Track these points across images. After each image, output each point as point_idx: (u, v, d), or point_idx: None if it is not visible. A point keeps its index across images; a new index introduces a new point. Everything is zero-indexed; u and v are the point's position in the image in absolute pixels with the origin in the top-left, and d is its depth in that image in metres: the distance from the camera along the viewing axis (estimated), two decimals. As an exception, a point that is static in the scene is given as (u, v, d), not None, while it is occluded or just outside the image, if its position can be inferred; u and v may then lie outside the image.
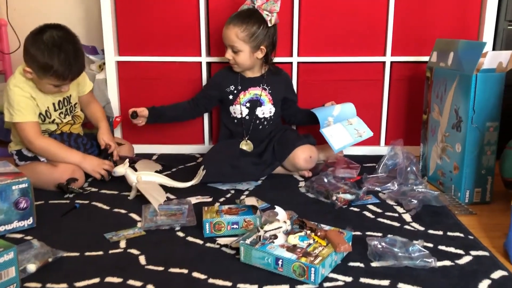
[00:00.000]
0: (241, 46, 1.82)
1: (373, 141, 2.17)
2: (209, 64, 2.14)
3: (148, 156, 2.10)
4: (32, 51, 1.61)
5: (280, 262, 1.14)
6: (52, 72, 1.61)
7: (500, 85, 1.53)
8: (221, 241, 1.31)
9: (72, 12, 2.40)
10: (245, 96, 1.93)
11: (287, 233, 1.23)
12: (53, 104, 1.75)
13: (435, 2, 2.02)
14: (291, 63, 2.09)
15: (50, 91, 1.70)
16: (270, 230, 1.21)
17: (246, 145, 1.92)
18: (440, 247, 1.29)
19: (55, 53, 1.59)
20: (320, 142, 2.00)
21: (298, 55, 2.08)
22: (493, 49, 2.02)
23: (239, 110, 1.93)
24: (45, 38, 1.60)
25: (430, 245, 1.29)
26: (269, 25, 1.83)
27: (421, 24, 2.04)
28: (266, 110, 1.93)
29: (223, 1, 2.05)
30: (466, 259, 1.23)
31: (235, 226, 1.35)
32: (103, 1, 2.05)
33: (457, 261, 1.21)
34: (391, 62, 2.07)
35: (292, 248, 1.17)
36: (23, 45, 1.65)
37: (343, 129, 1.88)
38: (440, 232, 1.38)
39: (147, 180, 1.64)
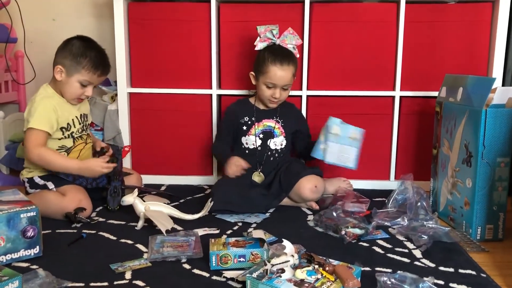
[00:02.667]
0: (291, 82, 1.89)
1: (383, 175, 2.16)
2: (219, 96, 2.16)
3: (156, 187, 2.10)
4: (65, 47, 1.75)
5: (287, 297, 1.11)
6: (87, 61, 1.73)
7: (510, 120, 1.53)
8: (228, 274, 1.29)
9: (87, 45, 2.46)
10: (258, 127, 1.94)
11: (295, 267, 1.21)
12: (77, 117, 1.82)
13: (444, 38, 2.04)
14: (301, 96, 2.10)
15: (76, 93, 1.77)
16: (277, 264, 1.19)
17: (258, 177, 1.92)
18: (452, 285, 1.25)
19: (88, 48, 1.76)
20: (328, 175, 1.99)
21: (308, 88, 2.10)
22: (503, 85, 2.03)
23: (252, 140, 1.94)
24: (78, 40, 1.77)
25: (441, 282, 1.26)
26: (297, 56, 1.91)
27: (430, 59, 2.06)
28: (278, 142, 1.94)
29: (234, 34, 2.09)
30: (478, 297, 1.20)
31: (242, 259, 1.33)
32: (117, 35, 2.10)
33: (469, 300, 1.18)
34: (400, 97, 2.08)
35: (299, 283, 1.14)
36: (54, 57, 1.78)
37: (339, 146, 1.85)
38: (451, 269, 1.35)
39: (155, 209, 1.64)
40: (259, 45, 1.90)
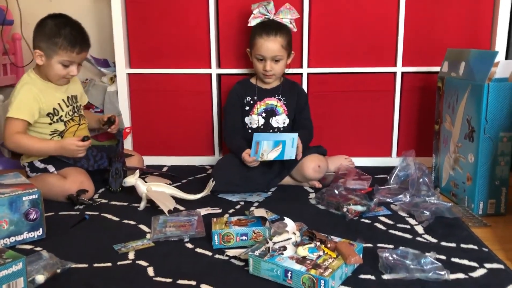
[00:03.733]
0: (283, 55, 1.86)
1: (385, 152, 2.15)
2: (219, 76, 2.14)
3: (158, 168, 2.10)
4: (39, 30, 1.71)
5: (289, 274, 1.12)
6: (61, 42, 1.68)
7: (513, 94, 1.51)
8: (230, 252, 1.30)
9: (84, 26, 2.42)
10: (261, 106, 1.93)
11: (297, 245, 1.21)
12: (63, 100, 1.80)
13: (445, 12, 2.01)
14: (301, 74, 2.08)
15: (59, 74, 1.73)
16: (279, 242, 1.20)
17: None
18: (453, 260, 1.26)
19: (62, 25, 1.70)
20: (330, 153, 1.99)
21: (308, 66, 2.08)
22: (506, 59, 2.00)
23: (255, 120, 1.93)
24: (50, 20, 1.72)
25: (443, 257, 1.27)
26: (294, 30, 1.90)
27: (432, 34, 2.03)
28: (281, 120, 1.93)
29: (233, 13, 2.06)
30: (480, 272, 1.20)
31: (244, 237, 1.34)
32: (114, 15, 2.08)
33: (470, 274, 1.18)
34: (402, 73, 2.06)
35: (301, 260, 1.15)
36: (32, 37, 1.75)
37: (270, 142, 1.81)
38: (453, 244, 1.35)
39: (157, 190, 1.64)
40: (252, 21, 1.89)
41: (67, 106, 1.81)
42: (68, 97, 1.82)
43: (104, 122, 1.88)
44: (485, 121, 1.52)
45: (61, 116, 1.78)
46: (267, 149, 1.78)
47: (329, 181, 1.87)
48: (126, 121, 2.17)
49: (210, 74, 2.12)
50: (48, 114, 1.75)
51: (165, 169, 2.12)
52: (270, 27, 1.84)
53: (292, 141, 1.78)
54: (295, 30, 1.91)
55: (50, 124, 1.76)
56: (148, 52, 2.13)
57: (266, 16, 1.88)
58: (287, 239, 1.20)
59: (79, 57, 1.74)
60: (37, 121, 1.74)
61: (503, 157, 1.55)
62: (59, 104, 1.78)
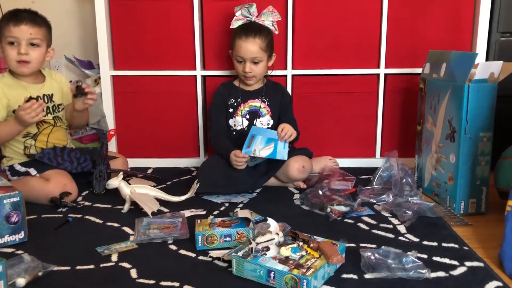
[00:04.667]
0: (262, 56, 1.86)
1: (369, 153, 2.17)
2: (204, 77, 2.15)
3: (143, 170, 2.10)
4: None
5: (272, 275, 1.12)
6: (7, 17, 1.68)
7: (492, 95, 1.54)
8: (214, 253, 1.30)
9: (68, 27, 2.42)
10: (244, 108, 1.94)
11: (280, 245, 1.22)
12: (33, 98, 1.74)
13: (427, 15, 2.04)
14: (286, 75, 2.09)
15: (11, 57, 1.70)
16: (262, 242, 1.20)
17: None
18: (435, 258, 1.27)
19: (8, 12, 1.72)
20: (314, 154, 2.00)
21: (293, 68, 2.09)
22: (487, 60, 2.03)
23: (239, 122, 1.93)
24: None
25: (425, 256, 1.28)
26: (275, 33, 1.90)
27: (414, 36, 2.05)
28: (265, 121, 1.94)
29: (217, 15, 2.06)
30: (460, 270, 1.22)
31: (228, 238, 1.34)
32: (98, 16, 2.07)
33: (451, 272, 1.20)
34: (385, 74, 2.08)
35: (284, 260, 1.16)
36: None
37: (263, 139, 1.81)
38: (435, 243, 1.37)
39: (141, 192, 1.63)
40: (235, 23, 1.90)
41: None
42: (39, 97, 1.76)
43: (75, 93, 1.78)
44: (465, 121, 1.55)
45: None
46: (259, 145, 1.78)
47: (314, 181, 1.88)
48: (111, 123, 2.15)
49: (195, 76, 2.12)
50: (14, 112, 1.70)
51: (150, 171, 2.12)
52: (249, 29, 1.85)
53: (284, 142, 1.79)
54: (276, 32, 1.92)
55: None
56: (132, 53, 2.12)
57: (248, 19, 1.89)
58: (270, 240, 1.21)
59: (20, 31, 1.67)
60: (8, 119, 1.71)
61: (483, 157, 1.57)
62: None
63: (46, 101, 1.79)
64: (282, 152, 1.77)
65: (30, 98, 1.65)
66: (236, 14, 1.89)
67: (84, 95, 1.76)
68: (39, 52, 1.74)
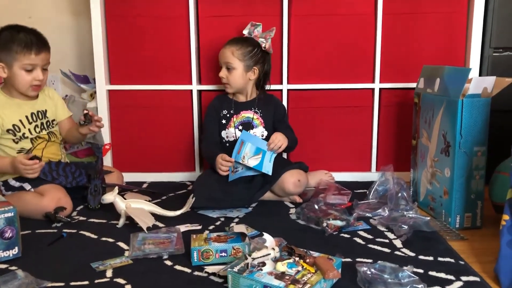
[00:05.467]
0: (235, 64, 1.88)
1: (364, 167, 2.17)
2: (199, 92, 2.15)
3: (138, 184, 2.09)
4: None
5: (268, 290, 1.12)
6: (16, 46, 1.68)
7: (486, 110, 1.55)
8: (209, 269, 1.29)
9: (64, 42, 2.43)
10: (237, 119, 1.95)
11: (276, 260, 1.21)
12: (26, 116, 1.77)
13: (421, 29, 2.06)
14: (281, 90, 2.10)
15: (25, 82, 1.72)
16: (258, 258, 1.20)
17: None
18: (431, 273, 1.27)
19: (15, 33, 1.71)
20: (310, 168, 2.00)
21: (288, 82, 2.11)
22: (480, 75, 2.05)
23: (232, 133, 1.94)
24: (4, 31, 1.73)
25: (421, 271, 1.28)
26: (263, 48, 1.92)
27: (409, 51, 2.08)
28: (258, 132, 1.94)
29: (213, 29, 2.08)
30: (456, 284, 1.21)
31: (223, 254, 1.33)
32: (94, 31, 2.08)
33: (447, 287, 1.20)
34: (380, 89, 2.10)
35: (280, 276, 1.15)
36: None
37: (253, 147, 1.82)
38: (431, 258, 1.37)
39: (137, 207, 1.63)
40: None
41: (30, 123, 1.78)
42: (33, 113, 1.79)
43: (83, 121, 1.79)
44: (460, 136, 1.56)
45: (24, 133, 1.76)
46: (248, 153, 1.79)
47: (310, 196, 1.88)
48: (106, 138, 2.15)
49: (191, 90, 2.13)
50: (8, 131, 1.73)
51: (145, 185, 2.11)
52: (233, 38, 1.93)
53: (271, 155, 1.79)
54: (265, 49, 1.93)
55: (16, 142, 1.75)
56: (128, 68, 2.13)
57: (249, 35, 1.94)
58: (266, 255, 1.21)
59: (39, 58, 1.73)
60: (2, 137, 1.72)
61: (478, 171, 1.58)
62: (20, 120, 1.75)
63: (40, 117, 1.81)
64: (268, 166, 1.78)
65: (35, 157, 1.65)
66: (244, 32, 1.94)
67: (91, 122, 1.79)
68: (47, 74, 1.80)
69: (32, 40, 1.71)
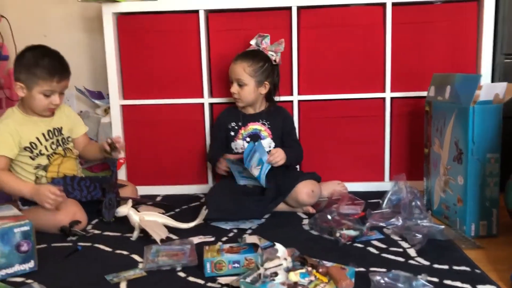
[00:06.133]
0: (247, 80, 1.90)
1: (377, 177, 2.16)
2: (211, 105, 2.17)
3: (152, 198, 2.11)
4: (18, 63, 1.75)
5: (281, 300, 1.12)
6: (39, 71, 1.70)
7: (497, 116, 1.54)
8: (222, 280, 1.29)
9: (79, 59, 2.48)
10: (245, 131, 1.96)
11: (288, 271, 1.21)
12: (43, 134, 1.80)
13: (431, 38, 2.06)
14: (292, 101, 2.11)
15: (42, 104, 1.75)
16: (270, 268, 1.20)
17: None
18: (446, 282, 1.26)
19: (40, 57, 1.73)
20: (323, 179, 2.00)
21: (299, 93, 2.12)
22: (492, 81, 2.04)
23: (240, 145, 1.96)
24: (28, 52, 1.76)
25: (436, 279, 1.27)
26: (274, 63, 1.94)
27: (419, 59, 2.08)
28: (266, 144, 1.95)
29: (223, 42, 2.10)
30: (472, 293, 1.20)
31: (236, 265, 1.33)
32: (107, 48, 2.12)
33: (463, 296, 1.19)
34: (391, 98, 2.09)
35: (293, 286, 1.15)
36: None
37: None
38: (446, 267, 1.35)
39: (150, 219, 1.64)
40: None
41: (47, 140, 1.80)
42: (49, 131, 1.82)
43: (110, 149, 1.84)
44: (472, 143, 1.55)
45: (41, 150, 1.79)
46: (254, 162, 1.79)
47: (323, 206, 1.88)
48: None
49: (203, 104, 2.15)
50: (25, 148, 1.76)
51: (158, 198, 2.13)
52: (243, 53, 1.93)
53: (266, 167, 1.80)
54: (275, 63, 1.95)
55: (32, 158, 1.78)
56: (141, 83, 2.17)
57: (258, 48, 1.95)
58: (278, 265, 1.20)
59: (60, 86, 1.76)
60: (20, 154, 1.75)
61: (491, 178, 1.56)
62: (37, 138, 1.78)
63: (56, 134, 1.84)
64: (263, 178, 1.79)
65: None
66: (251, 42, 1.96)
67: (116, 150, 1.85)
68: (63, 97, 1.84)
69: (55, 68, 1.73)
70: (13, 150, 1.73)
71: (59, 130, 1.86)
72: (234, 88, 1.93)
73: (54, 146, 1.82)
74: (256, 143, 1.83)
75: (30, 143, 1.77)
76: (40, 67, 1.71)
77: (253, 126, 1.98)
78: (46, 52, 1.76)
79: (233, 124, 1.99)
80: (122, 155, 1.87)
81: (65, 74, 1.77)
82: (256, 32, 1.97)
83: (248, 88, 1.91)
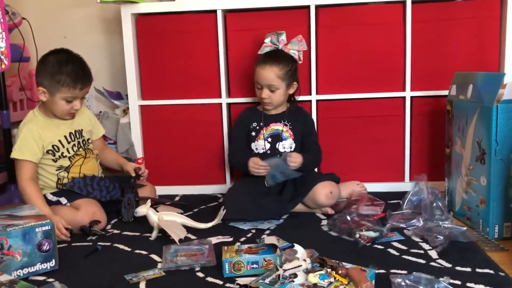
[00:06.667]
0: (278, 84, 1.88)
1: (398, 177, 2.13)
2: (229, 105, 2.17)
3: (170, 198, 2.11)
4: (42, 67, 1.75)
5: (300, 302, 1.11)
6: (63, 80, 1.70)
7: (522, 115, 1.50)
8: (241, 281, 1.29)
9: (98, 60, 2.51)
10: (266, 132, 1.95)
11: (307, 272, 1.20)
12: (65, 136, 1.81)
13: (452, 36, 2.02)
14: (310, 101, 2.10)
15: (63, 110, 1.76)
16: (289, 269, 1.19)
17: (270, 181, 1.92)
18: (469, 285, 1.23)
19: (63, 64, 1.72)
20: (342, 179, 1.98)
21: (317, 93, 2.10)
22: (516, 80, 1.99)
23: (261, 145, 1.94)
24: (52, 57, 1.75)
25: (458, 282, 1.24)
26: (299, 62, 1.92)
27: (440, 58, 2.04)
28: (287, 145, 1.94)
29: (241, 42, 2.10)
30: (496, 297, 1.17)
31: (254, 265, 1.33)
32: (126, 49, 2.14)
33: (487, 299, 1.16)
34: (411, 97, 2.06)
35: (312, 287, 1.14)
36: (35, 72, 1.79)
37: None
38: (469, 269, 1.32)
39: (169, 219, 1.65)
40: (263, 49, 1.93)
41: (69, 142, 1.82)
42: (71, 133, 1.83)
43: (134, 176, 1.88)
44: (495, 143, 1.51)
45: (63, 152, 1.80)
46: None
47: (342, 207, 1.86)
48: (139, 152, 2.20)
49: (221, 104, 2.15)
50: (48, 152, 1.78)
51: (177, 198, 2.13)
52: (270, 56, 1.89)
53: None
54: (300, 61, 1.94)
55: (54, 161, 1.79)
56: (159, 84, 2.18)
57: (275, 46, 1.92)
58: (298, 266, 1.19)
59: (82, 92, 1.77)
60: (42, 157, 1.77)
61: (516, 179, 1.53)
62: (59, 140, 1.80)
63: (77, 136, 1.85)
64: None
65: (69, 230, 1.66)
66: (265, 40, 1.93)
67: (140, 177, 1.90)
68: (84, 101, 1.86)
69: (79, 75, 1.73)
70: (36, 154, 1.75)
71: (80, 132, 1.87)
72: (265, 93, 1.89)
73: (75, 148, 1.84)
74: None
75: (53, 145, 1.78)
76: (64, 74, 1.71)
77: (274, 127, 1.96)
78: (70, 58, 1.76)
79: (254, 124, 1.97)
80: (143, 182, 1.92)
81: (87, 81, 1.78)
82: (274, 31, 1.96)
83: (280, 92, 1.90)
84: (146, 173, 1.92)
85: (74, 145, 1.84)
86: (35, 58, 2.39)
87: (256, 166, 1.82)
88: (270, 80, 1.87)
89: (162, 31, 2.13)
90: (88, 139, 1.91)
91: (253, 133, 1.97)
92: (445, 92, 1.94)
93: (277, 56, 1.89)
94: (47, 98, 1.75)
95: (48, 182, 1.81)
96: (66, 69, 1.71)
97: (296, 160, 1.81)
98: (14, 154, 1.74)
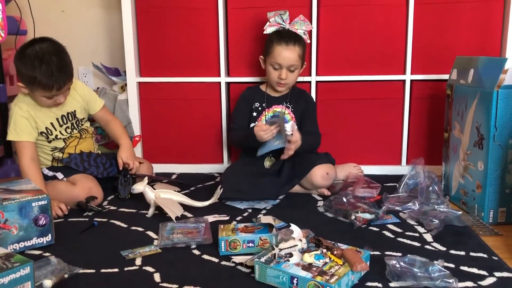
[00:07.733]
0: (298, 64, 1.87)
1: (394, 160, 2.14)
2: (228, 84, 2.16)
3: (167, 175, 2.12)
4: (17, 65, 1.67)
5: (295, 281, 1.12)
6: (37, 83, 1.63)
7: (522, 101, 1.50)
8: (237, 259, 1.30)
9: (96, 35, 2.48)
10: (268, 113, 1.94)
11: (303, 252, 1.21)
12: (57, 119, 1.78)
13: (455, 19, 2.00)
14: (310, 82, 2.09)
15: (46, 103, 1.72)
16: (285, 248, 1.19)
17: (269, 161, 1.92)
18: (462, 268, 1.24)
19: (37, 64, 1.62)
20: (339, 161, 1.98)
21: (317, 74, 2.09)
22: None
23: None
24: (28, 52, 1.64)
25: (452, 265, 1.25)
26: (307, 42, 1.91)
27: (441, 41, 2.02)
28: (289, 127, 1.93)
29: (242, 21, 2.07)
30: (489, 280, 1.18)
31: (250, 244, 1.33)
32: (125, 25, 2.11)
33: (480, 282, 1.17)
34: (411, 81, 2.05)
35: (307, 267, 1.14)
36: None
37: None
38: (463, 253, 1.33)
39: (166, 197, 1.65)
40: (268, 29, 1.90)
41: (61, 125, 1.79)
42: (63, 116, 1.79)
43: (119, 170, 1.85)
44: (494, 128, 1.51)
45: (57, 135, 1.78)
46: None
47: (338, 189, 1.86)
48: (136, 129, 2.19)
49: (219, 83, 2.13)
50: (41, 133, 1.76)
51: (174, 176, 2.13)
52: (289, 36, 1.85)
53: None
54: (308, 41, 1.92)
55: (49, 142, 1.78)
56: (158, 61, 2.16)
57: (282, 26, 1.89)
58: (293, 246, 1.20)
59: (60, 91, 1.69)
60: (37, 137, 1.76)
61: (513, 165, 1.53)
62: (51, 123, 1.77)
63: (70, 118, 1.81)
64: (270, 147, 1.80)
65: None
66: (270, 20, 1.90)
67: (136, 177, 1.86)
68: (69, 91, 1.76)
69: (53, 76, 1.62)
70: (32, 134, 1.73)
71: (73, 114, 1.83)
72: (286, 74, 1.86)
73: (69, 130, 1.82)
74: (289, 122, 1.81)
75: (46, 128, 1.76)
76: (37, 79, 1.62)
77: (276, 109, 1.95)
78: (46, 55, 1.63)
79: (257, 104, 1.96)
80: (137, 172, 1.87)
81: (63, 81, 1.67)
82: (274, 10, 1.93)
83: (297, 72, 1.89)
84: (136, 168, 1.85)
85: (67, 127, 1.81)
86: (32, 32, 2.37)
87: (264, 128, 1.75)
88: (293, 60, 1.85)
89: (162, 8, 2.10)
90: (83, 119, 1.87)
91: (255, 114, 1.96)
92: (446, 76, 1.93)
93: (296, 36, 1.86)
94: (28, 92, 1.71)
95: (44, 161, 1.81)
96: (40, 70, 1.61)
97: (294, 141, 1.78)
98: (10, 137, 1.72)
